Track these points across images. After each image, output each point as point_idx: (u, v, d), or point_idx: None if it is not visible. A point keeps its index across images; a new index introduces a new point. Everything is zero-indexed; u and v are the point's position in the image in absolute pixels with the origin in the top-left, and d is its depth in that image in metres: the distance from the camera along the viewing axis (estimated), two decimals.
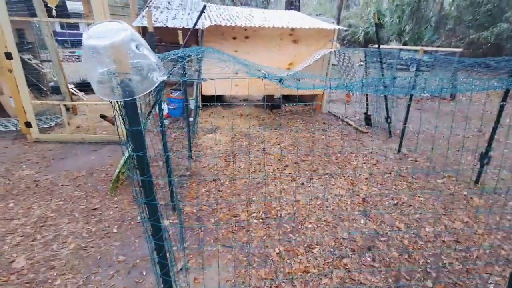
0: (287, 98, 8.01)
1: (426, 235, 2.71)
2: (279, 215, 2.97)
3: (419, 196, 3.41)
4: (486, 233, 2.75)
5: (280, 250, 2.45)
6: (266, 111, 7.08)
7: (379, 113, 5.93)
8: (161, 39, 6.01)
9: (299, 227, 2.78)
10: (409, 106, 4.55)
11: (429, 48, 9.56)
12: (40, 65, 6.33)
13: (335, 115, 7.03)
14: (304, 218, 2.91)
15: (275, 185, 3.59)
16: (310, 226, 2.80)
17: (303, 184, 3.64)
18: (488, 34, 15.42)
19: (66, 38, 15.44)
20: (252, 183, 3.62)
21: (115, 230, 2.66)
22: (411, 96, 4.60)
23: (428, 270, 2.29)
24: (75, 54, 15.06)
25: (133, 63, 1.00)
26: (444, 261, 2.38)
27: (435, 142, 5.32)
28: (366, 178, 3.84)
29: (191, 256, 2.35)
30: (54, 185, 3.40)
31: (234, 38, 6.07)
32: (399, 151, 4.81)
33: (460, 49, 9.13)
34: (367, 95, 6.20)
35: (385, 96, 5.38)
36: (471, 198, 3.39)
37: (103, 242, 2.50)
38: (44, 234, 2.56)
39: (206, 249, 2.44)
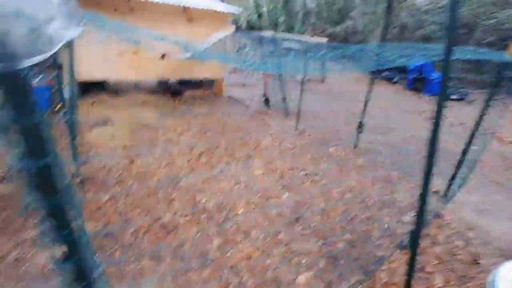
0: (184, 84, 7.50)
1: (334, 196, 3.17)
2: (206, 207, 2.76)
3: (321, 164, 3.93)
4: (372, 185, 3.48)
5: (218, 244, 2.28)
6: (164, 98, 6.39)
7: (275, 95, 6.42)
8: None
9: (230, 215, 2.68)
10: (302, 88, 5.11)
11: (314, 38, 10.99)
12: None
13: (235, 99, 7.13)
14: (233, 204, 2.83)
15: (194, 176, 3.32)
16: (240, 211, 2.75)
17: (221, 171, 3.52)
18: (339, 29, 19.23)
19: None
20: (168, 179, 3.21)
21: None
22: (303, 79, 5.17)
23: (343, 225, 2.68)
24: None
25: (9, 5, 0.57)
26: (352, 214, 2.86)
27: (320, 117, 6.26)
28: (278, 156, 4.10)
29: (111, 284, 1.86)
30: None
31: (115, 10, 5.03)
32: (296, 127, 5.39)
33: (326, 39, 10.98)
34: (265, 78, 6.56)
35: (280, 79, 5.84)
36: (355, 159, 4.20)
37: None
38: None
39: (130, 268, 1.99)
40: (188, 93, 6.90)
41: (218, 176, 3.36)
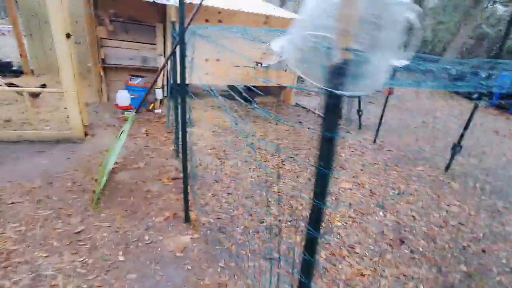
0: (255, 90, 7.76)
1: (436, 221, 2.94)
2: (304, 215, 2.79)
3: (412, 184, 3.70)
4: (476, 214, 3.15)
5: (325, 255, 2.28)
6: (236, 103, 6.69)
7: (345, 106, 6.26)
8: (117, 12, 4.89)
9: (330, 226, 2.67)
10: (386, 101, 4.90)
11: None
12: None
13: (304, 107, 7.14)
14: (330, 216, 2.81)
15: (284, 182, 3.39)
16: (339, 224, 2.71)
17: (310, 179, 3.53)
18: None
19: None
20: (259, 182, 3.33)
21: (122, 258, 2.05)
22: (389, 91, 4.96)
23: (455, 254, 2.47)
24: None
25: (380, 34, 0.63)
26: (463, 244, 2.62)
27: (396, 132, 5.91)
28: (361, 170, 3.97)
29: (236, 277, 1.98)
30: (1, 203, 2.44)
31: (207, 20, 5.46)
32: (374, 141, 5.16)
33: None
34: None
35: None
36: (449, 183, 3.86)
37: (113, 277, 1.89)
38: (14, 278, 1.79)
39: (249, 265, 2.10)
40: (258, 99, 7.11)
41: (307, 185, 3.38)
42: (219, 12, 5.50)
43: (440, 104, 9.68)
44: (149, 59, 5.49)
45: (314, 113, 6.71)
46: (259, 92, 6.56)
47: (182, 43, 1.91)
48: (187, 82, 6.07)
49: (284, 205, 2.92)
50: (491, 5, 16.38)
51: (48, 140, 3.69)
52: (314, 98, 8.57)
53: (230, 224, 2.54)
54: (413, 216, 2.96)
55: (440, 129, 6.48)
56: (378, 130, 5.14)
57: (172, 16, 3.43)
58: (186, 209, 2.45)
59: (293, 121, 5.94)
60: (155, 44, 5.43)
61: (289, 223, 2.64)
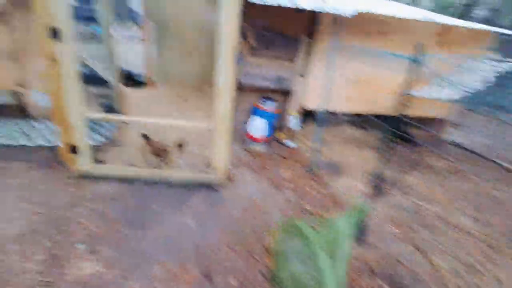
0: (404, 122, 6.14)
1: None
2: None
3: None
4: None
5: None
6: (373, 134, 5.24)
7: None
8: (266, 25, 3.99)
9: None
10: None
11: None
12: None
13: (461, 147, 5.26)
14: None
15: None
16: None
17: None
18: None
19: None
20: None
21: None
22: None
23: None
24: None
25: None
26: None
27: None
28: None
29: None
30: None
31: (368, 32, 4.20)
32: None
33: None
34: None
35: None
36: None
37: None
38: None
39: None
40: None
41: None
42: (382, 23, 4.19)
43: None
44: (283, 79, 4.53)
45: (484, 158, 4.79)
46: (417, 125, 4.91)
47: None
48: (323, 108, 4.62)
49: None
50: None
51: (183, 183, 2.93)
52: (466, 131, 6.49)
53: None
54: None
55: None
56: None
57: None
58: None
59: (474, 174, 4.19)
60: (293, 61, 4.43)
61: None
